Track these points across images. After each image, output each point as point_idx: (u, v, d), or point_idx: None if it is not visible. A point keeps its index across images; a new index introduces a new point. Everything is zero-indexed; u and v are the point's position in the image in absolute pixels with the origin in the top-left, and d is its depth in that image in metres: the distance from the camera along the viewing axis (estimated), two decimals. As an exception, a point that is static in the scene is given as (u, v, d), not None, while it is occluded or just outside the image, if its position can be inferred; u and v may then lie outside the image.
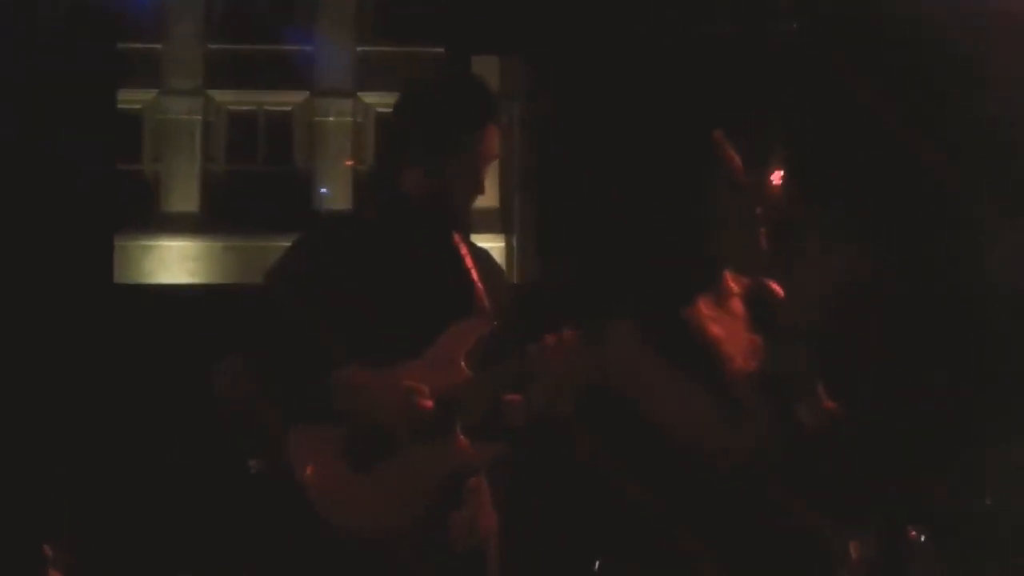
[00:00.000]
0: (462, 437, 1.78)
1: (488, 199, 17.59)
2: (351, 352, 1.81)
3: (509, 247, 17.19)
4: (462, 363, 1.83)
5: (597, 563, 1.84)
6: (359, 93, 17.33)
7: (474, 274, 2.04)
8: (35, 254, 4.38)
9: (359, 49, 17.25)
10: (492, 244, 17.38)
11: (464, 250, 2.07)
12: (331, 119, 17.31)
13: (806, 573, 1.78)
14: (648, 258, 1.95)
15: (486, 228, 16.91)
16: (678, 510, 1.75)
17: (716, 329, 1.92)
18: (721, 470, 1.73)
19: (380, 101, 17.87)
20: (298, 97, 17.25)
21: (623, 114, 4.15)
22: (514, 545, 2.02)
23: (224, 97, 17.17)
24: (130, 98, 15.58)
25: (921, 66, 3.32)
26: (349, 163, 16.91)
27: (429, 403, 1.74)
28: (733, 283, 2.00)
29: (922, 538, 1.88)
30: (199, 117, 17.06)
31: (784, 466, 1.80)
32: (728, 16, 3.76)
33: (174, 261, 16.35)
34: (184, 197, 16.86)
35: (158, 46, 16.48)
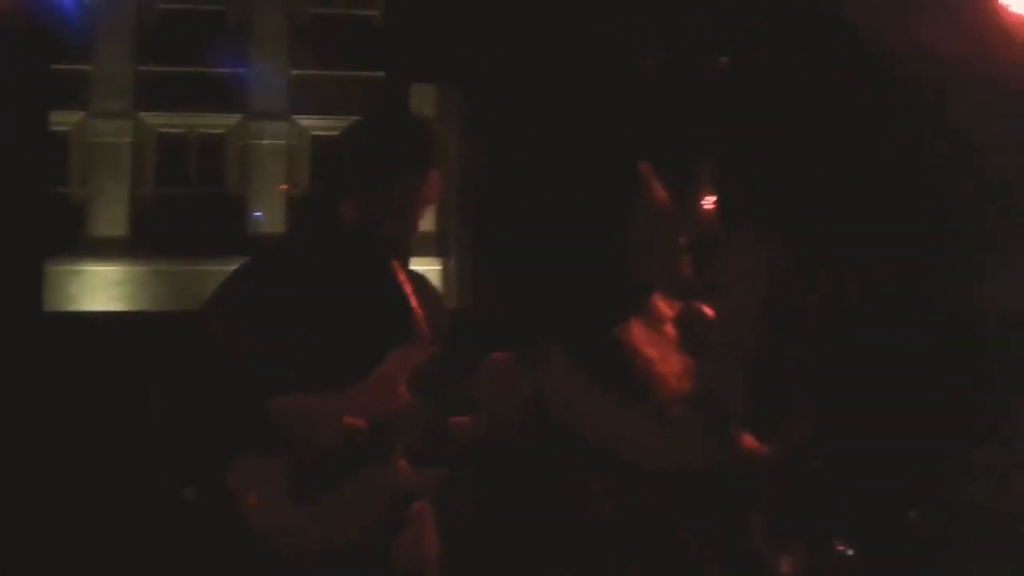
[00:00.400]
0: (403, 462, 1.80)
1: (425, 223, 17.53)
2: (292, 380, 1.82)
3: (446, 271, 17.24)
4: (403, 388, 1.86)
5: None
6: (294, 116, 17.23)
7: (413, 301, 2.07)
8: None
9: (294, 72, 17.17)
10: (428, 268, 17.39)
11: (402, 277, 2.10)
12: (265, 142, 17.16)
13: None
14: (578, 284, 2.00)
15: (423, 252, 16.87)
16: (620, 529, 1.80)
17: (649, 351, 1.98)
18: (659, 487, 1.79)
19: (315, 124, 17.80)
20: (231, 120, 17.09)
21: (555, 142, 4.23)
22: (458, 570, 2.05)
23: (154, 119, 16.91)
24: (58, 120, 15.28)
25: (853, 97, 3.47)
26: (284, 188, 16.77)
27: (363, 425, 1.76)
28: (663, 306, 2.06)
29: (849, 552, 1.97)
30: (128, 139, 16.76)
31: (719, 482, 1.87)
32: (661, 47, 3.89)
33: (101, 286, 15.98)
34: (112, 221, 16.52)
35: (87, 67, 16.18)
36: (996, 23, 3.36)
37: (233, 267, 2.19)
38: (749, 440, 1.95)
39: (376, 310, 2.00)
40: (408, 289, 2.08)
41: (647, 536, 1.84)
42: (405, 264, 2.19)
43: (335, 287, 1.98)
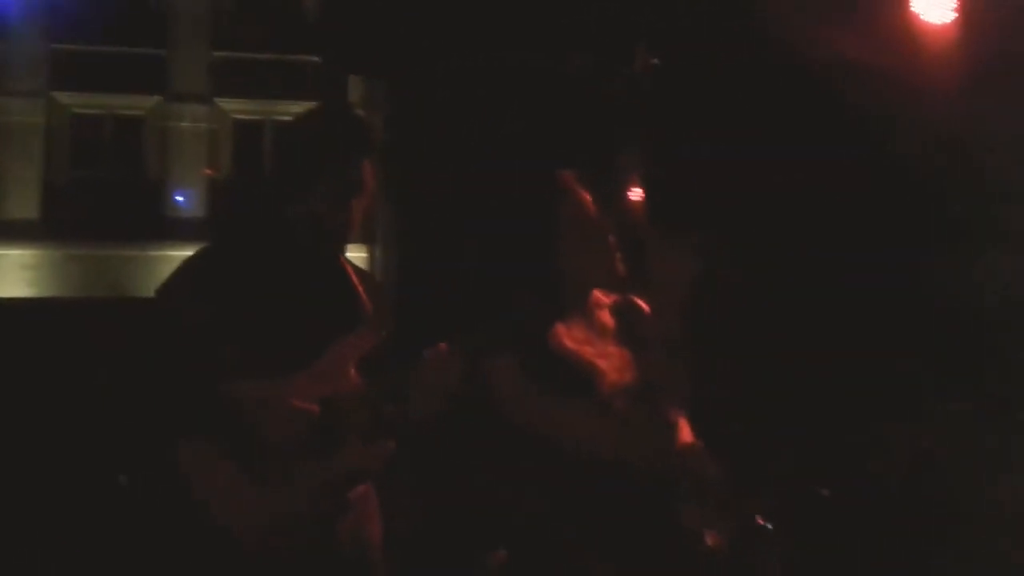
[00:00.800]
0: (351, 444, 1.86)
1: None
2: (245, 366, 1.86)
3: (372, 258, 17.13)
4: (352, 372, 1.92)
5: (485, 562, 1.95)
6: (216, 99, 16.89)
7: (360, 289, 2.13)
8: None
9: (216, 54, 16.82)
10: (354, 255, 17.22)
11: (348, 267, 2.15)
12: (185, 125, 16.78)
13: (674, 563, 1.95)
14: (510, 278, 2.06)
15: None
16: (559, 509, 1.87)
17: (586, 348, 2.06)
18: (604, 475, 1.87)
19: (238, 108, 17.49)
20: (150, 101, 16.65)
21: (483, 137, 4.30)
22: (400, 550, 2.11)
23: (70, 100, 16.38)
24: (-35, 98, 14.74)
25: (776, 95, 3.62)
26: (208, 172, 16.44)
27: (315, 409, 1.81)
28: (601, 302, 2.15)
29: (768, 526, 2.10)
30: (41, 120, 16.21)
31: (656, 467, 1.97)
32: (589, 49, 3.97)
33: (12, 270, 15.45)
34: (23, 203, 15.96)
35: (-2, 44, 15.61)
36: (910, 30, 3.55)
37: (149, 252, 2.20)
38: (685, 429, 2.06)
39: (325, 298, 2.05)
40: (354, 278, 2.13)
41: (581, 523, 1.92)
42: (343, 253, 2.24)
43: (285, 276, 2.03)
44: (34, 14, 15.52)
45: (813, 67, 3.54)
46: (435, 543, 2.16)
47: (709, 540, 2.02)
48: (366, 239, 16.64)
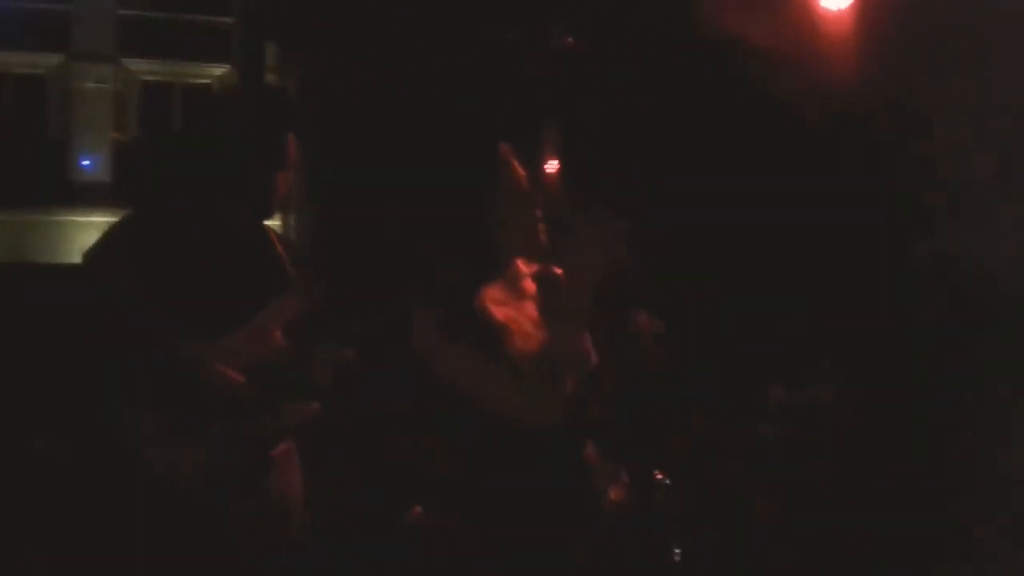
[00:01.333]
0: (276, 403, 1.96)
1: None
2: (175, 330, 1.92)
3: (286, 226, 16.92)
4: (277, 336, 2.00)
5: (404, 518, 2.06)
6: (123, 59, 16.36)
7: (284, 257, 2.21)
8: None
9: (122, 12, 16.27)
10: (270, 222, 16.96)
11: (274, 236, 2.22)
12: (90, 85, 16.21)
13: (578, 518, 2.10)
14: (427, 246, 2.16)
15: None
16: (479, 466, 1.99)
17: (503, 312, 2.18)
18: (517, 434, 1.99)
19: (146, 69, 16.96)
20: (52, 60, 16.04)
21: (401, 109, 4.35)
22: (322, 507, 2.21)
23: (-35, 57, 15.68)
24: None
25: (692, 67, 3.76)
26: (114, 136, 15.94)
27: (239, 378, 1.90)
28: (523, 270, 2.26)
29: (666, 480, 2.27)
30: (-62, 79, 15.50)
31: (569, 427, 2.10)
32: (510, 23, 4.05)
33: (-95, 235, 14.79)
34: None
35: None
36: (811, 17, 3.74)
37: (53, 217, 2.22)
38: (588, 395, 2.20)
39: (251, 265, 2.13)
40: (280, 247, 2.21)
41: (490, 481, 2.04)
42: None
43: (211, 245, 2.10)
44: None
45: (722, 47, 3.71)
46: (356, 502, 2.26)
47: (612, 495, 2.18)
48: (281, 214, 16.47)
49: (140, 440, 1.91)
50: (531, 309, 2.11)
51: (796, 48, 3.68)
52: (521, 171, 2.11)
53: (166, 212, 2.18)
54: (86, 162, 15.83)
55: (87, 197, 14.57)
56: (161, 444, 1.91)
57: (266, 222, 2.31)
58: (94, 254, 2.08)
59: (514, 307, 2.11)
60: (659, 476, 2.29)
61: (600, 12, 3.86)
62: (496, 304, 2.13)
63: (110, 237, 2.08)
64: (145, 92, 16.52)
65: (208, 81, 16.03)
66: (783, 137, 3.76)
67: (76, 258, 2.16)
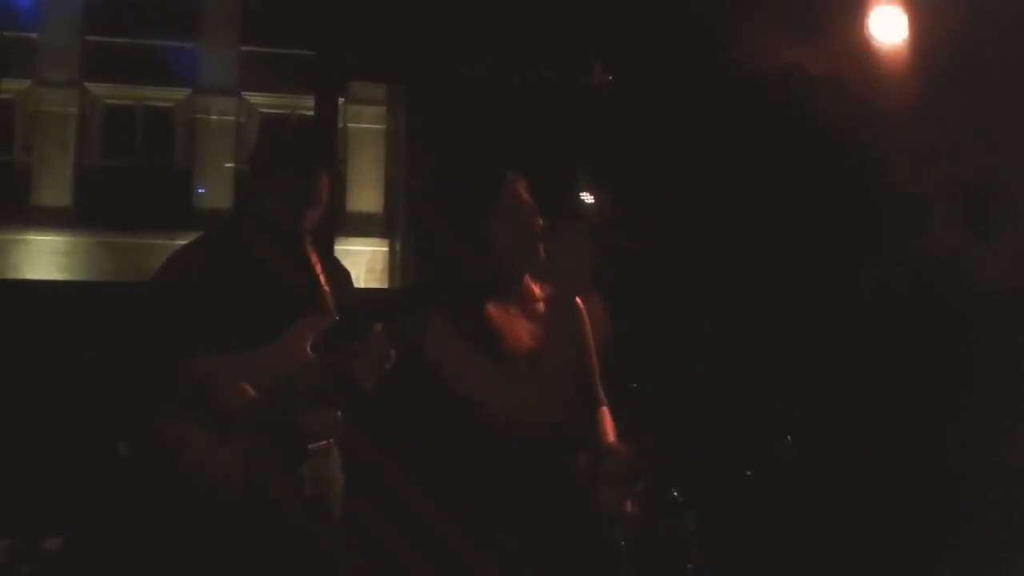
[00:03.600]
0: (304, 410, 2.18)
1: (373, 205, 17.78)
2: (219, 341, 2.18)
3: (392, 251, 17.48)
4: (308, 349, 2.24)
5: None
6: (244, 93, 17.27)
7: (322, 278, 2.45)
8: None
9: (243, 49, 17.20)
10: (376, 248, 17.61)
11: (314, 258, 2.47)
12: (213, 117, 17.18)
13: (590, 528, 2.22)
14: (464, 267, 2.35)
15: (370, 232, 17.15)
16: (477, 476, 2.16)
17: (513, 324, 2.34)
18: (511, 440, 2.15)
19: (264, 102, 17.86)
20: (179, 94, 17.07)
21: (468, 140, 4.56)
22: (358, 503, 2.41)
23: (101, 90, 16.84)
24: (3, 87, 15.13)
25: (728, 116, 3.86)
26: (230, 165, 16.83)
27: (252, 394, 2.12)
28: (534, 288, 2.43)
29: (680, 498, 2.35)
30: (75, 109, 16.67)
31: (572, 435, 2.24)
32: (550, 65, 4.22)
33: (44, 255, 15.94)
34: (56, 191, 16.45)
35: (33, 35, 16.05)
36: (866, 48, 3.79)
37: (177, 241, 2.52)
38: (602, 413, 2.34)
39: (288, 284, 2.38)
40: (318, 268, 2.46)
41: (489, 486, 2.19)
42: (325, 246, 2.57)
43: (254, 264, 2.35)
44: (68, 7, 15.96)
45: (772, 84, 3.79)
46: (390, 491, 2.43)
47: (628, 507, 2.28)
48: (387, 234, 17.00)
49: (181, 447, 2.15)
50: (536, 325, 2.26)
51: (849, 83, 3.73)
52: (526, 197, 2.28)
53: (220, 235, 2.45)
54: (202, 190, 16.73)
55: (208, 223, 15.41)
56: (200, 448, 2.15)
57: (331, 248, 2.57)
58: (159, 273, 2.36)
59: (520, 321, 2.27)
60: (675, 494, 2.39)
61: (641, 49, 3.99)
62: (504, 317, 2.29)
63: (169, 261, 2.36)
64: (263, 123, 17.37)
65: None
66: (831, 175, 3.81)
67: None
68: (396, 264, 16.65)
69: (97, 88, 16.76)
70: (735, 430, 2.98)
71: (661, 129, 3.95)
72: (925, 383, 3.49)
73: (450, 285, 2.22)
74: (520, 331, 2.23)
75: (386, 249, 17.23)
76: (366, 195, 17.19)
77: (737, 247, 3.94)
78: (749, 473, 2.71)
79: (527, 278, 2.32)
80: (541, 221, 2.27)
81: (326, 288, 2.41)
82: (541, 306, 2.32)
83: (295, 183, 2.36)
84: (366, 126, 16.66)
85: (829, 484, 3.14)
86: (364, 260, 15.83)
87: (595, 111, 4.04)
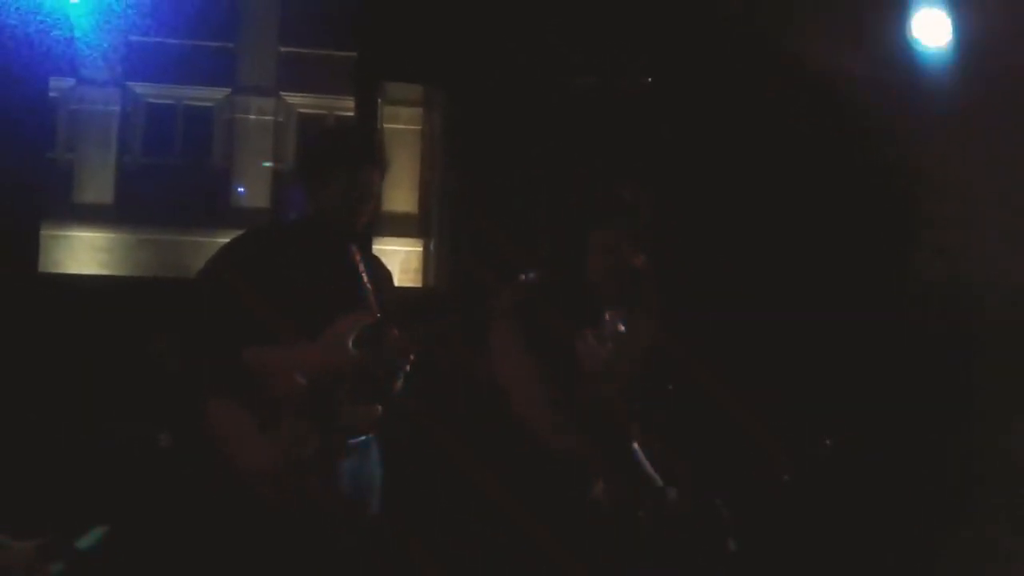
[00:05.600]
0: (345, 404, 2.23)
1: (408, 205, 17.89)
2: (264, 336, 2.23)
3: (427, 251, 17.57)
4: (349, 345, 2.28)
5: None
6: (282, 93, 17.46)
7: (364, 277, 2.49)
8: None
9: (282, 49, 17.39)
10: (411, 248, 17.73)
11: (357, 257, 2.51)
12: (252, 117, 17.38)
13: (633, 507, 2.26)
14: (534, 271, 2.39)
15: (405, 232, 17.27)
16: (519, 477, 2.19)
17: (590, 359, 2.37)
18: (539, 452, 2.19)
19: (303, 102, 18.04)
20: (219, 93, 17.29)
21: (523, 145, 4.57)
22: (396, 489, 2.46)
23: (143, 89, 17.09)
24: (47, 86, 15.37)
25: (769, 115, 3.84)
26: (268, 164, 17.02)
27: (316, 374, 2.18)
28: (614, 322, 2.45)
29: (720, 504, 2.38)
30: (117, 108, 16.94)
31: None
32: (588, 66, 4.23)
33: (86, 251, 16.21)
34: (99, 188, 16.72)
35: (76, 35, 16.31)
36: (910, 53, 3.76)
37: (216, 239, 2.57)
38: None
39: (331, 282, 2.42)
40: (361, 267, 2.50)
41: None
42: (366, 245, 2.62)
43: (303, 263, 2.40)
44: (110, 7, 16.21)
45: (815, 88, 3.77)
46: (428, 483, 2.48)
47: (670, 495, 2.31)
48: (422, 233, 17.09)
49: (225, 437, 2.20)
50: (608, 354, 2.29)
51: (891, 86, 3.71)
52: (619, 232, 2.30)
53: (267, 232, 2.50)
54: (241, 189, 16.93)
55: (246, 221, 15.60)
56: (243, 439, 2.20)
57: (368, 246, 2.61)
58: (205, 268, 2.41)
59: (595, 349, 2.30)
60: (716, 502, 2.41)
61: (680, 50, 3.99)
62: (585, 344, 2.32)
63: (216, 257, 2.41)
64: (301, 124, 17.54)
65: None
66: (871, 178, 3.79)
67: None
68: (430, 264, 16.75)
69: (139, 87, 17.01)
70: (773, 433, 2.99)
71: (699, 131, 3.95)
72: (965, 385, 3.48)
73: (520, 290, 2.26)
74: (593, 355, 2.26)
75: (420, 249, 17.32)
76: (401, 195, 17.29)
77: (776, 247, 3.93)
78: (787, 477, 2.72)
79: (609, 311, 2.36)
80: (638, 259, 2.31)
81: (369, 286, 2.46)
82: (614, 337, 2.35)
83: (350, 182, 2.40)
84: (403, 127, 16.78)
85: (865, 487, 3.13)
86: (399, 260, 15.92)
87: (633, 113, 4.05)
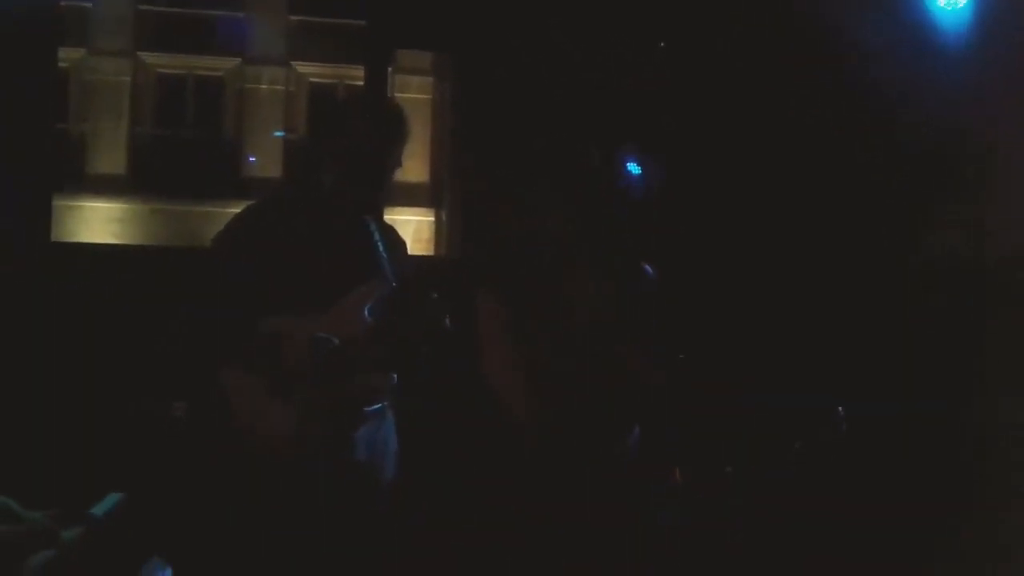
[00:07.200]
0: (360, 373, 2.22)
1: (419, 175, 17.84)
2: (279, 305, 2.23)
3: (438, 220, 17.56)
4: (365, 314, 2.27)
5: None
6: (293, 62, 17.38)
7: (380, 246, 2.48)
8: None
9: (293, 18, 17.28)
10: (422, 217, 17.72)
11: (372, 227, 2.50)
12: (263, 87, 17.32)
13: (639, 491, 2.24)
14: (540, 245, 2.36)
15: (416, 202, 17.25)
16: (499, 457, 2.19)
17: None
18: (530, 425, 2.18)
19: (313, 71, 17.98)
20: (229, 63, 17.23)
21: (533, 114, 4.53)
22: (410, 463, 2.46)
23: (154, 60, 17.05)
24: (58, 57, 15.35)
25: (784, 76, 3.79)
26: (280, 134, 16.98)
27: (333, 337, 2.18)
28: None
29: (731, 472, 2.37)
30: (128, 79, 16.91)
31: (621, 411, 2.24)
32: (600, 35, 4.17)
33: (99, 222, 16.27)
34: (111, 159, 16.74)
35: (88, 4, 16.26)
36: (929, 19, 3.69)
37: (228, 209, 2.58)
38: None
39: (347, 252, 2.41)
40: (376, 237, 2.48)
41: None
42: (379, 216, 2.61)
43: (318, 233, 2.39)
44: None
45: (833, 54, 3.72)
46: (443, 454, 2.48)
47: (676, 475, 2.31)
48: (434, 203, 17.07)
49: (240, 406, 2.20)
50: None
51: (911, 48, 3.65)
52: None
53: (282, 201, 2.49)
54: (252, 158, 16.92)
55: (257, 191, 15.61)
56: (258, 408, 2.20)
57: (380, 217, 2.59)
58: (217, 238, 2.40)
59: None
60: (728, 470, 2.40)
61: (702, 19, 3.93)
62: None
63: (230, 224, 2.40)
64: (312, 93, 17.47)
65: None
66: (890, 150, 3.75)
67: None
68: (442, 233, 16.73)
69: (149, 57, 16.96)
70: (785, 404, 2.98)
71: (716, 101, 3.91)
72: (985, 359, 3.45)
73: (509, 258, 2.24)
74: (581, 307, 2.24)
75: (432, 219, 17.30)
76: (412, 165, 17.23)
77: (790, 222, 3.90)
78: (797, 446, 2.72)
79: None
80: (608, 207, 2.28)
81: (383, 255, 2.45)
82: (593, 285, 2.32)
83: (376, 152, 2.39)
84: (413, 96, 16.68)
85: (877, 458, 3.12)
86: (410, 229, 15.91)
87: (649, 82, 4.00)
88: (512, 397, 2.14)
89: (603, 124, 4.34)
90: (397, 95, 16.46)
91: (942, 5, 3.65)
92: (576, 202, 2.28)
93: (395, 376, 2.29)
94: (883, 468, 3.40)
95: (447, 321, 2.28)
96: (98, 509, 2.23)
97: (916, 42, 3.68)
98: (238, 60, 17.19)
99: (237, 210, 2.51)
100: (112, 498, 2.30)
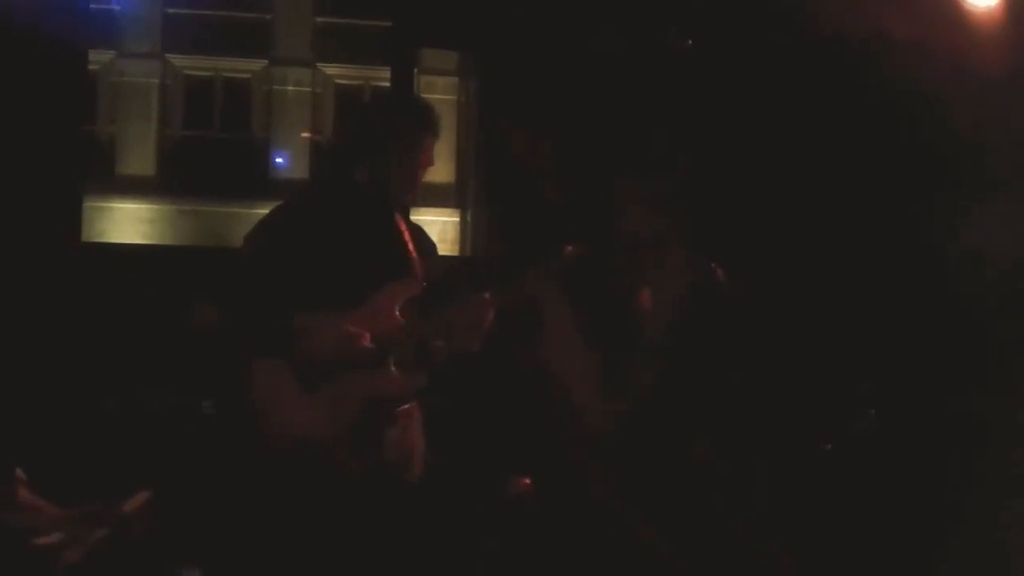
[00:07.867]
0: (392, 370, 2.23)
1: (444, 175, 17.86)
2: (311, 302, 2.25)
3: (464, 221, 17.56)
4: (396, 313, 2.29)
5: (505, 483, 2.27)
6: (319, 64, 17.47)
7: (410, 246, 2.49)
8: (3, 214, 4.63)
9: (318, 20, 17.38)
10: (448, 218, 17.74)
11: (403, 227, 2.52)
12: (289, 88, 17.42)
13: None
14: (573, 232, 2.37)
15: (442, 203, 17.27)
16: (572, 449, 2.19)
17: (645, 297, 2.35)
18: (590, 425, 2.18)
19: (340, 73, 18.05)
20: (256, 65, 17.35)
21: (553, 110, 4.53)
22: (436, 461, 2.47)
23: (182, 62, 17.19)
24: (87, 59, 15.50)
25: (811, 77, 3.77)
26: (306, 136, 17.07)
27: (366, 342, 2.20)
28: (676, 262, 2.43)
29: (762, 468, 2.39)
30: (156, 80, 17.06)
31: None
32: (627, 29, 4.16)
33: (128, 223, 16.42)
34: (140, 160, 16.89)
35: (116, 7, 16.39)
36: (956, 13, 3.65)
37: (256, 210, 2.60)
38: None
39: (381, 252, 2.43)
40: (407, 236, 2.50)
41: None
42: (406, 215, 2.62)
43: (350, 232, 2.41)
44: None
45: (854, 48, 3.68)
46: (468, 454, 2.49)
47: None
48: (458, 204, 17.08)
49: (269, 402, 2.22)
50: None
51: (936, 48, 3.61)
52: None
53: (313, 200, 2.51)
54: (280, 159, 17.02)
55: (284, 192, 15.67)
56: (288, 404, 2.22)
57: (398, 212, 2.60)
58: (249, 236, 2.43)
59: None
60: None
61: (721, 11, 3.91)
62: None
63: (262, 223, 2.43)
64: (338, 94, 17.55)
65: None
66: (915, 145, 3.71)
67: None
68: (467, 234, 16.75)
69: (178, 60, 17.11)
70: (818, 403, 2.97)
71: (741, 93, 3.88)
72: (999, 355, 3.42)
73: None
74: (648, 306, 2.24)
75: (457, 219, 17.32)
76: (438, 165, 17.11)
77: (819, 215, 3.87)
78: (829, 447, 2.70)
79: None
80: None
81: (414, 254, 2.47)
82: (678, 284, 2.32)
83: (409, 152, 2.41)
84: (438, 96, 16.71)
85: (909, 459, 3.10)
86: (436, 230, 15.91)
87: (674, 75, 3.99)
88: (575, 381, 2.16)
89: (632, 119, 4.32)
90: (422, 96, 16.47)
91: (974, 3, 3.61)
92: (661, 203, 2.30)
93: (425, 376, 2.30)
94: (922, 466, 3.38)
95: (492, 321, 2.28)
96: (127, 507, 2.25)
97: (945, 39, 3.64)
98: (265, 62, 17.30)
99: (264, 211, 2.53)
100: (141, 497, 2.32)
